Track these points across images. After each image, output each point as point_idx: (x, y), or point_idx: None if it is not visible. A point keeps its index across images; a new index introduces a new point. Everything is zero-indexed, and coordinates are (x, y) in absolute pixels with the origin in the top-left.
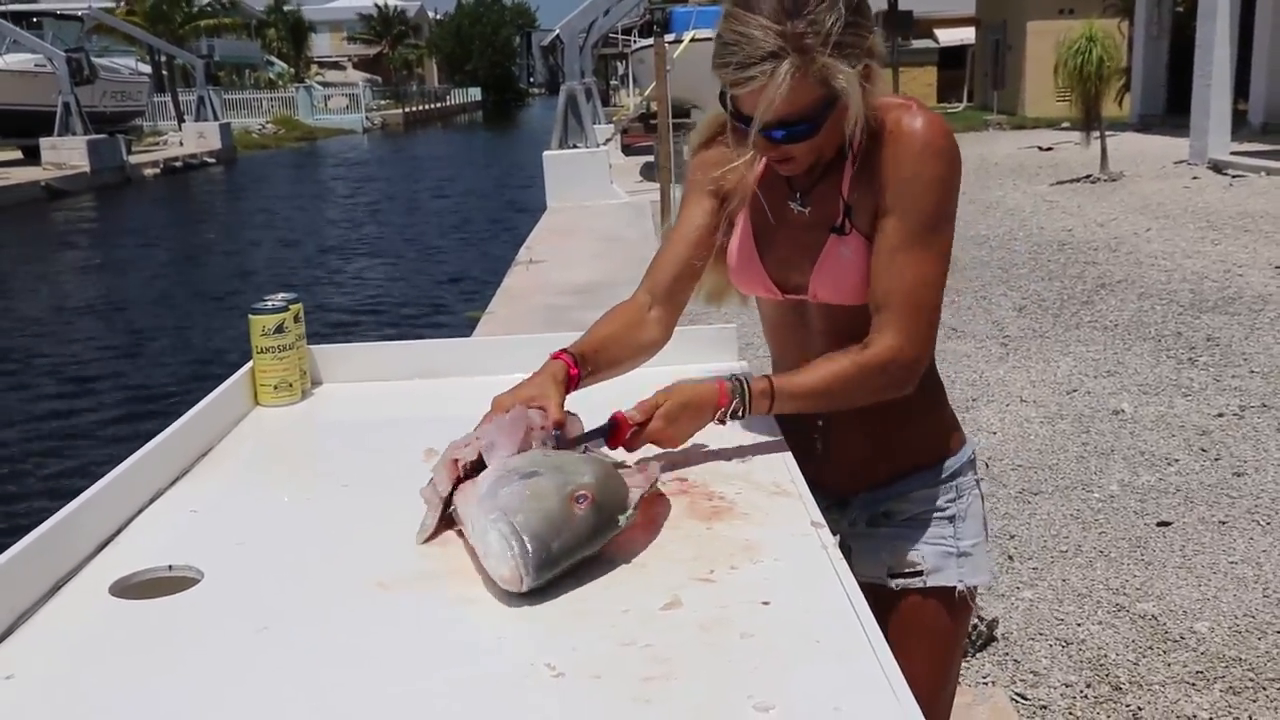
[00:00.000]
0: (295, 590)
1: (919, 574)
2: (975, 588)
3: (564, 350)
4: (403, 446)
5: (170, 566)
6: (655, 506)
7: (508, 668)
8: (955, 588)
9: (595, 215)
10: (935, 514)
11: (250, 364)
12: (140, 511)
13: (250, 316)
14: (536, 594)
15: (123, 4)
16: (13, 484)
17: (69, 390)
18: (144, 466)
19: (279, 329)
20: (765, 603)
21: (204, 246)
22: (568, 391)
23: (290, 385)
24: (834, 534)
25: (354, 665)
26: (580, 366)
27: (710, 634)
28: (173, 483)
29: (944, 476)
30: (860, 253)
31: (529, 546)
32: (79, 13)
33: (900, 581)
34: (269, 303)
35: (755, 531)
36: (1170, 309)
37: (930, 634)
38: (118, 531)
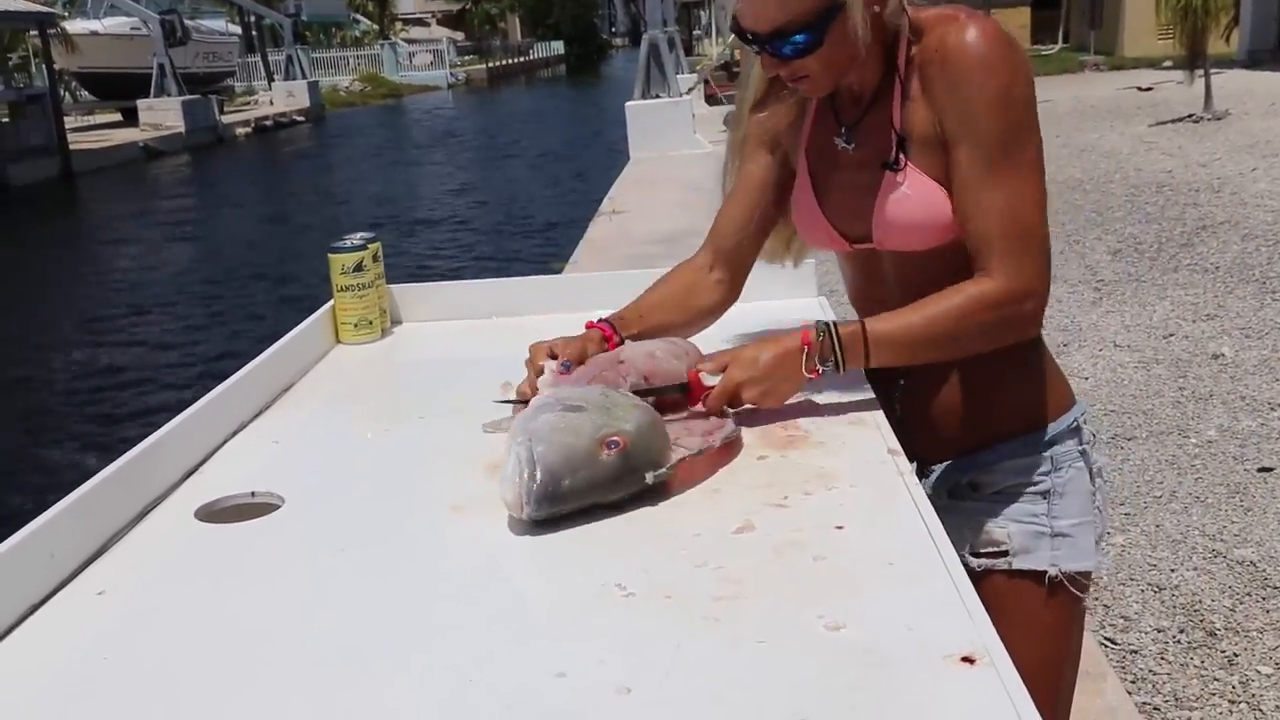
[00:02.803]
0: (371, 514)
1: (1004, 554)
2: (1078, 574)
3: (602, 319)
4: (479, 381)
5: (253, 493)
6: (710, 462)
7: (578, 588)
8: (1046, 572)
9: (678, 165)
10: (1026, 488)
11: (331, 302)
12: (225, 442)
13: (330, 255)
14: (559, 524)
15: None
16: (111, 408)
17: (167, 327)
18: (228, 398)
19: (358, 267)
20: (839, 527)
21: (294, 200)
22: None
23: (370, 323)
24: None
25: (429, 585)
26: (619, 333)
27: (782, 556)
28: (256, 415)
29: (1036, 446)
30: (921, 189)
31: (539, 476)
32: None
33: (983, 561)
34: (348, 241)
35: (831, 459)
36: (1277, 250)
37: (1020, 622)
38: (203, 460)
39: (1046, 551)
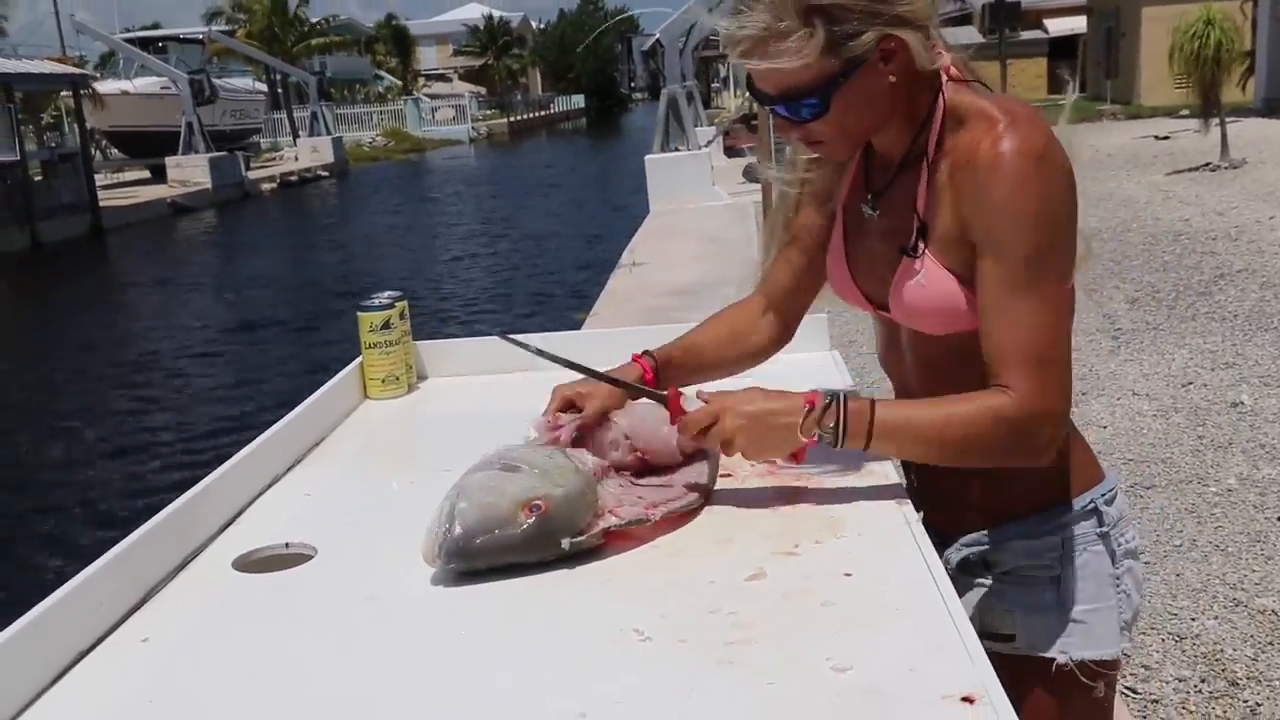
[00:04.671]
0: (400, 564)
1: (1009, 638)
2: (1094, 662)
3: (646, 351)
4: (503, 435)
5: (287, 544)
6: (657, 527)
7: (599, 633)
8: (1054, 660)
9: (697, 217)
10: (1036, 571)
11: (359, 359)
12: (259, 495)
13: (359, 313)
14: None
15: (241, 27)
16: (144, 460)
17: (196, 381)
18: (262, 454)
19: (386, 325)
20: (847, 574)
21: (318, 255)
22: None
23: (397, 379)
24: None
25: (454, 630)
26: (660, 370)
27: (792, 602)
28: (289, 469)
29: (1049, 528)
30: (937, 279)
31: (454, 532)
32: (200, 36)
33: (990, 644)
34: (376, 300)
35: (840, 507)
36: None
37: (1031, 711)
38: (239, 513)
39: (1057, 638)
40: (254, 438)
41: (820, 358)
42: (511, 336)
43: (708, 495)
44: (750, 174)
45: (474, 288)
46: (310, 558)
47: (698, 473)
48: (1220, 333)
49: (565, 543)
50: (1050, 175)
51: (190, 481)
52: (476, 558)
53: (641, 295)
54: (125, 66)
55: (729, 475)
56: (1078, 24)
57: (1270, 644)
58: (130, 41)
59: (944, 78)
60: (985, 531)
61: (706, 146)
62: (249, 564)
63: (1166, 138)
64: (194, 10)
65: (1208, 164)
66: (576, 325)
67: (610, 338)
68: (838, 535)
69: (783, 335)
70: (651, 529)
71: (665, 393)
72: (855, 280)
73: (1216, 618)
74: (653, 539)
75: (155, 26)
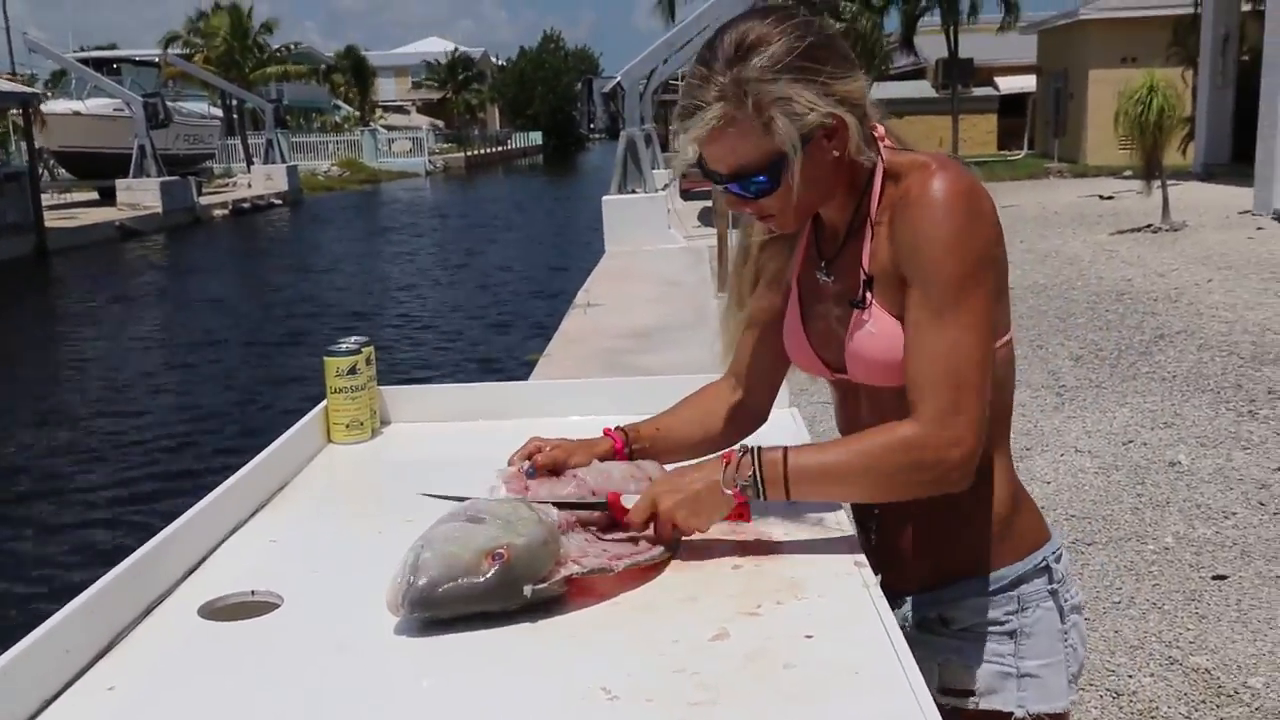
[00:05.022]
0: (366, 614)
1: (969, 694)
2: (1047, 715)
3: (619, 428)
4: (465, 481)
5: (253, 591)
6: (622, 580)
7: (567, 689)
8: (1013, 713)
9: (653, 260)
10: (992, 627)
11: (324, 403)
12: (224, 540)
13: (325, 358)
14: (523, 621)
15: (199, 51)
16: (100, 514)
17: (133, 410)
18: (227, 499)
19: (352, 370)
20: (808, 636)
21: (269, 284)
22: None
23: (361, 424)
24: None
25: (422, 684)
26: (630, 444)
27: (755, 664)
28: (253, 514)
29: (1001, 586)
30: (885, 328)
31: (417, 582)
32: (155, 59)
33: (949, 700)
34: (343, 345)
35: (801, 569)
36: (1230, 361)
37: None
38: (203, 559)
39: (1013, 693)
40: (201, 474)
41: (778, 415)
42: (432, 493)
43: (673, 551)
44: (706, 218)
45: (427, 324)
46: (276, 606)
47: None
48: (1160, 392)
49: (527, 589)
50: (976, 210)
51: (138, 523)
52: (440, 607)
53: (596, 337)
54: (78, 87)
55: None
56: (1028, 83)
57: (1203, 702)
58: (84, 62)
59: (880, 145)
60: (942, 589)
61: (663, 189)
62: (214, 611)
63: (1111, 197)
64: (151, 32)
65: (1149, 225)
66: (529, 365)
67: (556, 390)
68: (798, 596)
69: (755, 416)
70: (615, 583)
71: (604, 499)
72: (813, 348)
73: (1152, 675)
74: (616, 594)
75: (111, 47)
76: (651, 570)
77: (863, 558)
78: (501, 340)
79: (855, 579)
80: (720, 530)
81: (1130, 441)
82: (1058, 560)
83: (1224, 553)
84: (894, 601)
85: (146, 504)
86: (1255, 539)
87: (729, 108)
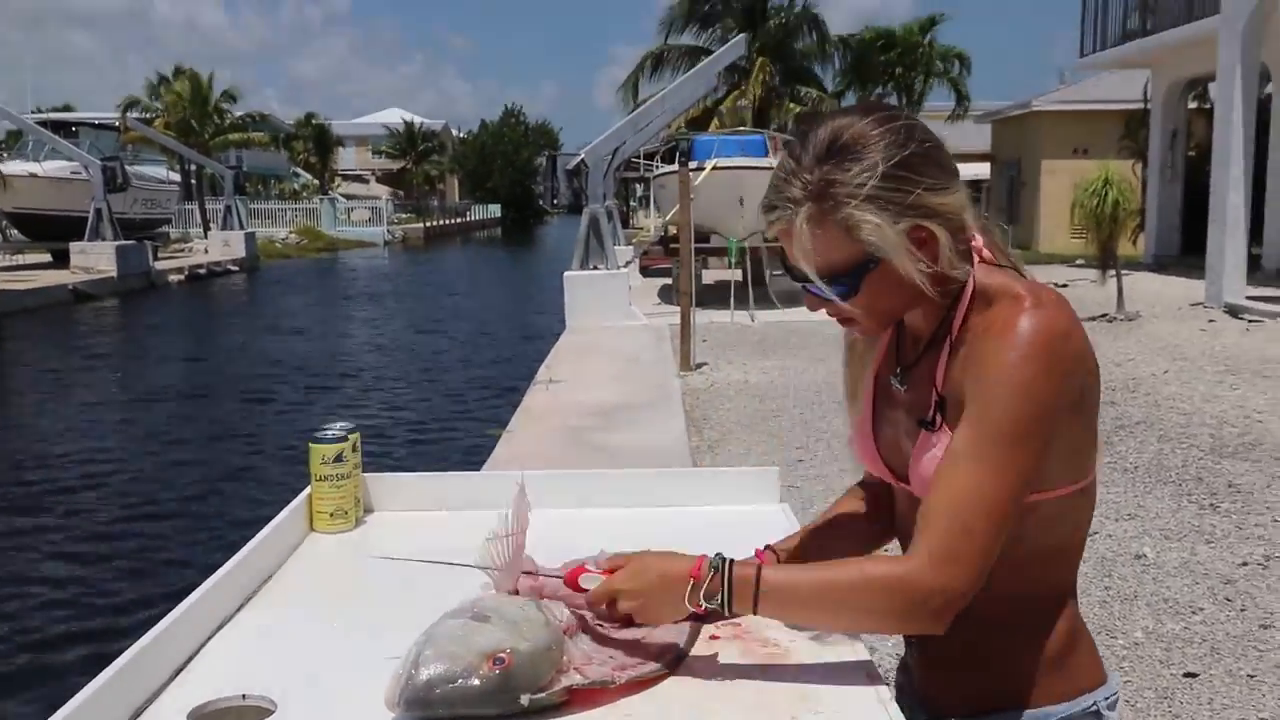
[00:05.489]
0: None
1: None
2: None
3: (768, 547)
4: (458, 580)
5: (244, 696)
6: (623, 690)
7: None
8: None
9: (614, 336)
10: None
11: (307, 490)
12: (210, 638)
13: (311, 445)
14: None
15: (159, 116)
16: (58, 600)
17: (79, 479)
18: (213, 595)
19: (338, 458)
20: None
21: (221, 352)
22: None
23: (345, 513)
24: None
25: None
26: (777, 556)
27: None
28: (238, 609)
29: None
30: None
31: (416, 680)
32: (114, 122)
33: None
34: (329, 431)
35: (813, 683)
36: (1190, 453)
37: None
38: (190, 658)
39: None
40: (158, 550)
41: (770, 510)
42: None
43: (679, 660)
44: (666, 295)
45: (382, 397)
46: (270, 712)
47: (677, 632)
48: (1123, 483)
49: (525, 699)
50: (1057, 358)
51: (90, 609)
52: (435, 707)
53: (559, 413)
54: (35, 148)
55: (715, 636)
56: (982, 170)
57: None
58: (42, 124)
59: (975, 258)
60: (982, 718)
61: (625, 266)
62: (203, 717)
63: (1065, 285)
64: (111, 95)
65: (1105, 314)
66: (491, 441)
67: (545, 480)
68: (814, 712)
69: (887, 517)
70: (617, 692)
71: (562, 573)
72: (879, 451)
73: None
74: (617, 700)
75: (66, 109)
76: (656, 679)
77: (875, 669)
78: (463, 413)
79: (870, 694)
80: (726, 633)
81: (1095, 533)
82: (1111, 708)
83: (1193, 649)
84: (920, 718)
85: (109, 587)
86: (1223, 635)
87: (814, 208)
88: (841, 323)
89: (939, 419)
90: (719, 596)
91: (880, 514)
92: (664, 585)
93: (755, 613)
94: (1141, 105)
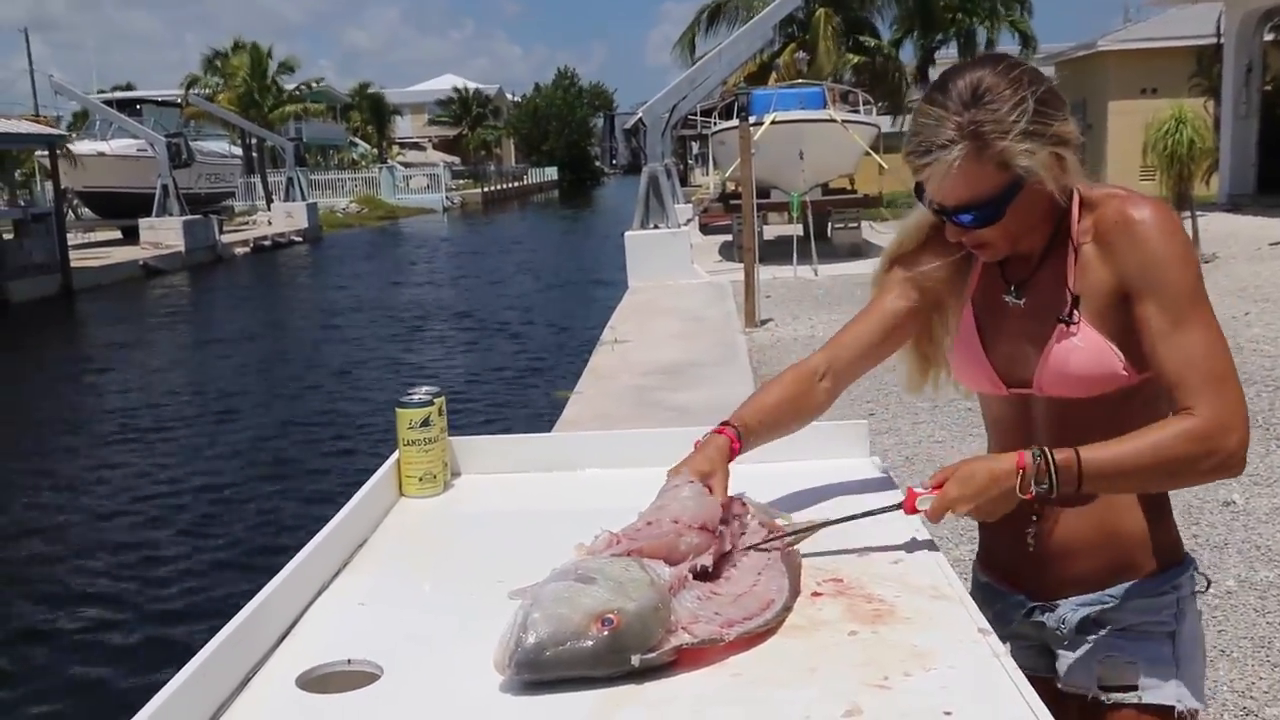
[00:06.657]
0: (469, 685)
1: (1133, 689)
2: (1195, 711)
3: (727, 423)
4: (548, 540)
5: (349, 660)
6: (728, 647)
7: None
8: (1174, 707)
9: (676, 295)
10: (1155, 626)
11: (395, 455)
12: (310, 604)
13: (398, 410)
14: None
15: (219, 90)
16: (116, 535)
17: (161, 450)
18: (312, 561)
19: (425, 422)
20: (947, 713)
21: (289, 322)
22: (729, 461)
23: (434, 477)
24: (1033, 637)
25: None
26: (743, 440)
27: None
28: (335, 575)
29: (1165, 588)
30: (1093, 342)
31: (526, 643)
32: (177, 99)
33: (1114, 696)
34: (415, 396)
35: (922, 637)
36: (1277, 395)
37: None
38: (293, 624)
39: (1173, 688)
40: (233, 522)
41: (861, 463)
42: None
43: (783, 616)
44: (728, 252)
45: (451, 360)
46: (376, 676)
47: (778, 588)
48: None
49: (635, 659)
50: (1180, 227)
51: (183, 569)
52: (546, 669)
53: (625, 373)
54: (101, 128)
55: (818, 594)
56: None
57: None
58: (107, 103)
59: None
60: (1104, 591)
61: (686, 224)
62: (312, 682)
63: None
64: (169, 71)
65: None
66: (559, 403)
67: (627, 440)
68: (926, 668)
69: (831, 400)
70: (725, 648)
71: (897, 506)
72: (993, 365)
73: None
74: (725, 658)
75: (129, 87)
76: (763, 635)
77: (985, 625)
78: (531, 375)
79: (983, 648)
80: (829, 589)
81: None
82: (1196, 568)
83: None
84: (1047, 607)
85: (175, 542)
86: None
87: (970, 145)
88: (974, 248)
89: (1075, 313)
90: (1047, 481)
91: (817, 396)
92: (994, 482)
93: (1079, 489)
94: (1214, 40)
